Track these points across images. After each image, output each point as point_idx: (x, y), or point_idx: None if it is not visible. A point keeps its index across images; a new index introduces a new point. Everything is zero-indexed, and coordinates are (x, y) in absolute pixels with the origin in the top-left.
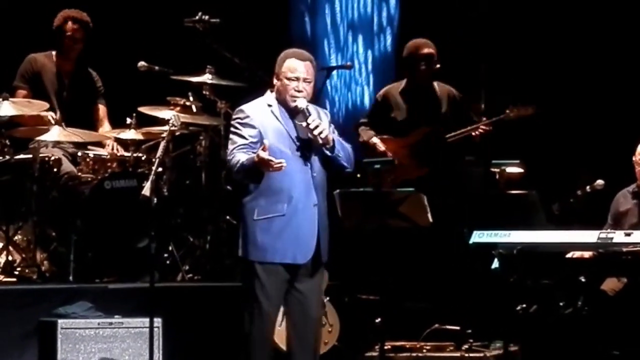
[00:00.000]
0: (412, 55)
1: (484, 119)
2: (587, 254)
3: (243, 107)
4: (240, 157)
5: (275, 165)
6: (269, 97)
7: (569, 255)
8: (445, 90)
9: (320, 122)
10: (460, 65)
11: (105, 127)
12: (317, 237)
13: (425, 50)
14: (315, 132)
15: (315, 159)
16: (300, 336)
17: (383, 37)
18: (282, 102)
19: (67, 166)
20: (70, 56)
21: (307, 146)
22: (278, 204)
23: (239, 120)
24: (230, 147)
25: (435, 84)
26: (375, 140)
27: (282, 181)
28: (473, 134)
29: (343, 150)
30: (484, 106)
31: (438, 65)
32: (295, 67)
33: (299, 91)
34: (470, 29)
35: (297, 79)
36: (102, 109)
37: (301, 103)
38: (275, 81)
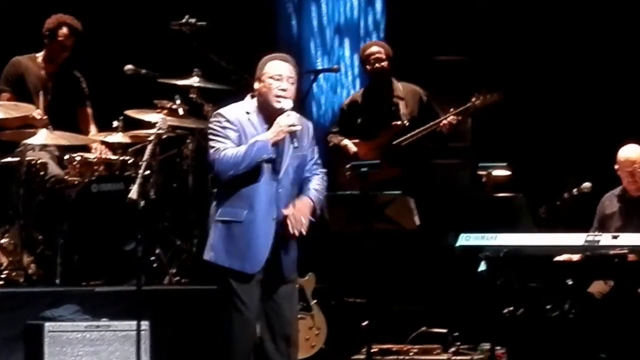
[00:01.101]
0: (360, 57)
1: (452, 109)
2: (574, 257)
3: (221, 111)
4: (233, 150)
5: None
6: (249, 103)
7: (556, 259)
8: (410, 90)
9: (301, 220)
10: (448, 67)
11: (92, 130)
12: (271, 251)
13: (368, 51)
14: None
15: (286, 175)
16: (277, 344)
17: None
18: (263, 105)
19: (53, 169)
20: (56, 61)
21: (279, 160)
22: (239, 210)
23: (219, 124)
24: (216, 145)
25: (399, 84)
26: (346, 142)
27: (249, 189)
28: (439, 125)
29: (319, 202)
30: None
31: (384, 64)
32: (278, 66)
33: (283, 90)
34: (455, 32)
35: (281, 77)
36: (87, 112)
37: (287, 105)
38: (256, 85)
